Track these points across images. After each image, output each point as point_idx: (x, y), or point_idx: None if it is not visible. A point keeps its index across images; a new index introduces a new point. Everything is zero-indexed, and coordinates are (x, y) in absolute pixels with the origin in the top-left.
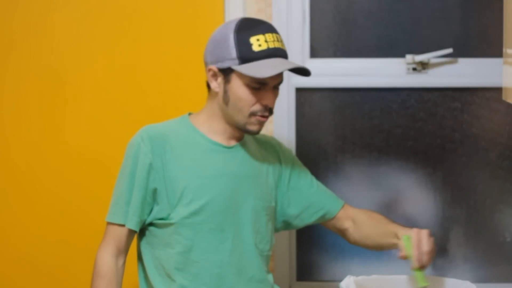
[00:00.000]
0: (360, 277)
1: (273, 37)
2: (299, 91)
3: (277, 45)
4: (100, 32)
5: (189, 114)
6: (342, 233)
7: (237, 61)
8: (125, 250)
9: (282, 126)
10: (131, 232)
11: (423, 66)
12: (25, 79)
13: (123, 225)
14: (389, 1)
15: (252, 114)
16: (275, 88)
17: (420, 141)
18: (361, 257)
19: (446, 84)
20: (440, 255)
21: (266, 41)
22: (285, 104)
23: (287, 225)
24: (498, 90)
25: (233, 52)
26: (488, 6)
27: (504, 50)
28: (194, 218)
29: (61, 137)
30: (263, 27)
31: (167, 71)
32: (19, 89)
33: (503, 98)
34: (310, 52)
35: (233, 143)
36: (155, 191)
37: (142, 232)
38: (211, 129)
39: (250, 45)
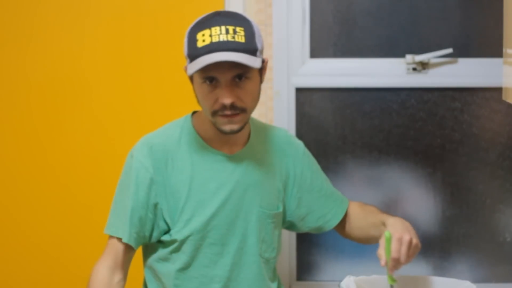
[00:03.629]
0: (360, 277)
1: (220, 30)
2: (299, 91)
3: (223, 38)
4: (100, 33)
5: (193, 113)
6: (337, 228)
7: (188, 60)
8: (124, 266)
9: (282, 126)
10: (129, 248)
11: (423, 66)
12: (28, 80)
13: (120, 239)
14: (389, 1)
15: (214, 114)
16: (238, 80)
17: (420, 141)
18: (361, 257)
19: (446, 84)
20: (440, 255)
21: (210, 35)
22: (285, 104)
23: (290, 226)
24: (498, 90)
25: (185, 51)
26: (488, 6)
27: (504, 50)
28: (196, 235)
29: (65, 138)
30: (213, 20)
31: (168, 71)
32: (22, 91)
33: (503, 98)
34: (310, 52)
35: (236, 150)
36: (156, 206)
37: (145, 247)
38: (210, 134)
39: (195, 41)
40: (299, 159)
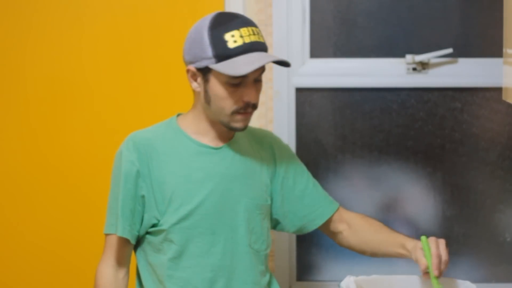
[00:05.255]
0: (360, 277)
1: (248, 31)
2: (299, 91)
3: (253, 38)
4: (98, 32)
5: (178, 115)
6: (334, 235)
7: (213, 60)
8: (125, 261)
9: (282, 126)
10: (125, 242)
11: (423, 66)
12: (27, 80)
13: (116, 235)
14: (389, 1)
15: (235, 112)
16: (257, 81)
17: (420, 141)
18: (361, 257)
19: (446, 84)
20: None
21: (241, 36)
22: (285, 104)
23: (276, 224)
24: (498, 90)
25: (209, 51)
26: (488, 6)
27: (504, 50)
28: (183, 223)
29: (63, 137)
30: (237, 21)
31: (168, 71)
32: (21, 90)
33: (503, 98)
34: (310, 52)
35: (221, 143)
36: (142, 198)
37: (137, 239)
38: (198, 130)
39: (225, 42)
40: (283, 158)
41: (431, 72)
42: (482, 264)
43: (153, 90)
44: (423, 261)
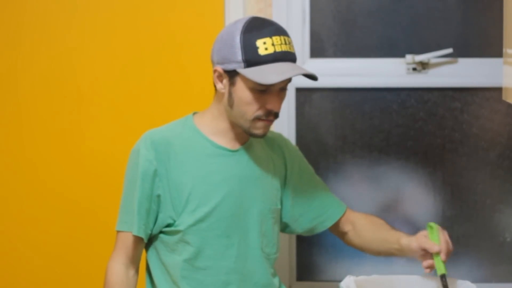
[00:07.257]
0: (360, 277)
1: (280, 40)
2: (299, 91)
3: (284, 48)
4: (98, 33)
5: (194, 113)
6: (340, 235)
7: (242, 64)
8: (135, 259)
9: (282, 126)
10: (139, 240)
11: (423, 66)
12: (29, 82)
13: (130, 233)
14: (389, 1)
15: (257, 118)
16: (282, 90)
17: (420, 141)
18: (361, 257)
19: (446, 84)
20: None
21: (273, 44)
22: (285, 104)
23: (285, 227)
24: (498, 90)
25: (239, 55)
26: (488, 6)
27: (504, 50)
28: (200, 224)
29: (68, 138)
30: (271, 29)
31: (168, 71)
32: (22, 91)
33: (503, 98)
34: (310, 52)
35: (238, 145)
36: (158, 197)
37: (150, 239)
38: (216, 130)
39: (256, 48)
40: (294, 161)
41: (431, 72)
42: (482, 264)
43: (154, 90)
44: (431, 244)
